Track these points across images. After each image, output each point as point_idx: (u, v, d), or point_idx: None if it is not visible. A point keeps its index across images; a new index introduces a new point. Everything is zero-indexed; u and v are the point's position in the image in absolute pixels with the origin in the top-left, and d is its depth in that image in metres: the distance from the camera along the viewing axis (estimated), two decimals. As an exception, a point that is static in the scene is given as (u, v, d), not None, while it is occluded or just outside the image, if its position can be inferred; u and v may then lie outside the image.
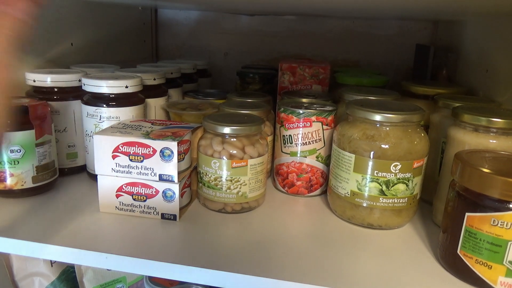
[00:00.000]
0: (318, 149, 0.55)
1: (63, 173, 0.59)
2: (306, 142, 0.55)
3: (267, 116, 0.59)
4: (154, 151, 0.45)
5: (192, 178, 0.53)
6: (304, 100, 0.60)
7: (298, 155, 0.55)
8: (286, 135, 0.55)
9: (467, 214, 0.37)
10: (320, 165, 0.56)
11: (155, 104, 0.64)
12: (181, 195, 0.50)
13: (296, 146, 0.55)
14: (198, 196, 0.52)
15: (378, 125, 0.46)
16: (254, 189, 0.50)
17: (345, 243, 0.45)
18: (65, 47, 0.70)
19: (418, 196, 0.48)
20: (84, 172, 0.60)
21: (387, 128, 0.46)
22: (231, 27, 0.99)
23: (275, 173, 0.59)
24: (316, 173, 0.56)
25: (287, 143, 0.56)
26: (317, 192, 0.57)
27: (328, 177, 0.57)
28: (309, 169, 0.56)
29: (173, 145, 0.45)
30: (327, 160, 0.56)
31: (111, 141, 0.46)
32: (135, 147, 0.46)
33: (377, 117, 0.45)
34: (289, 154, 0.56)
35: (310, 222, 0.50)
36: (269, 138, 0.60)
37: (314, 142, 0.55)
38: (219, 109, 0.59)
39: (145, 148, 0.45)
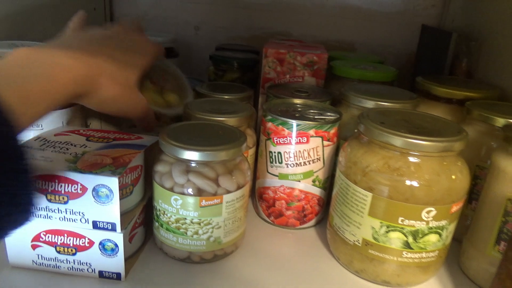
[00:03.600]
0: (316, 171, 0.42)
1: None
2: (300, 163, 0.41)
3: (248, 123, 0.45)
4: (84, 189, 0.31)
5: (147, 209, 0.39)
6: (296, 101, 0.46)
7: (290, 178, 0.42)
8: (274, 152, 0.42)
9: (545, 305, 0.26)
10: (317, 191, 0.43)
11: (100, 101, 0.48)
12: (129, 239, 0.36)
13: (287, 166, 0.41)
14: (154, 236, 0.38)
15: (405, 154, 0.33)
16: (231, 231, 0.37)
17: (354, 311, 0.33)
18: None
19: (449, 245, 0.36)
20: None
21: (419, 159, 0.33)
22: (204, -5, 0.82)
23: (258, 197, 0.46)
24: (312, 201, 0.43)
25: (275, 162, 0.42)
26: (312, 223, 0.45)
27: (325, 203, 0.44)
28: (303, 196, 0.42)
29: (112, 182, 0.30)
30: (325, 184, 0.43)
31: (18, 173, 0.31)
32: (55, 182, 0.31)
33: (408, 144, 0.32)
34: (277, 176, 0.42)
35: (304, 273, 0.38)
36: (251, 151, 0.46)
37: (311, 162, 0.41)
38: (185, 111, 0.44)
39: (70, 185, 0.31)
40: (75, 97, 0.32)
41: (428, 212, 0.32)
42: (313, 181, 0.42)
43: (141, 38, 0.41)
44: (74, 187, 0.31)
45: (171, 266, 0.37)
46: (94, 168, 0.31)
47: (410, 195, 0.32)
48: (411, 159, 0.33)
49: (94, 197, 0.31)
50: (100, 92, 0.34)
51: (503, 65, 0.53)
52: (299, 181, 0.42)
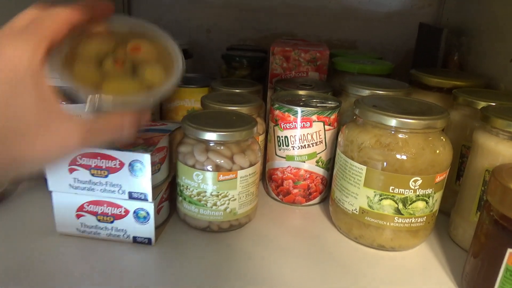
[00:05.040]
0: (319, 153, 0.47)
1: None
2: (304, 145, 0.46)
3: (258, 112, 0.51)
4: (122, 164, 0.37)
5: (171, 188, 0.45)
6: (301, 92, 0.52)
7: (295, 159, 0.47)
8: (281, 137, 0.47)
9: (509, 250, 0.30)
10: (320, 171, 0.48)
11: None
12: (158, 211, 0.41)
13: (293, 149, 0.47)
14: (178, 210, 0.44)
15: (394, 132, 0.38)
16: (244, 203, 0.42)
17: (352, 267, 0.39)
18: None
19: (437, 212, 0.41)
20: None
21: (406, 136, 0.38)
22: (215, 0, 0.88)
23: (268, 178, 0.51)
24: (316, 180, 0.48)
25: (283, 146, 0.47)
26: (316, 200, 0.50)
27: (328, 183, 0.50)
28: (308, 175, 0.48)
29: (145, 158, 0.36)
30: (328, 165, 0.48)
31: (67, 152, 0.37)
32: (97, 159, 0.37)
33: (395, 123, 0.37)
34: (284, 158, 0.48)
35: (310, 240, 0.43)
36: (261, 138, 0.51)
37: (314, 145, 0.46)
38: (202, 103, 0.50)
39: (110, 161, 0.37)
40: None
41: (415, 181, 0.38)
42: (317, 161, 0.47)
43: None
44: (114, 162, 0.36)
45: (193, 234, 0.42)
46: (129, 146, 0.37)
47: (399, 167, 0.37)
48: (400, 135, 0.38)
49: (130, 171, 0.37)
50: None
51: (489, 57, 0.58)
52: (304, 162, 0.47)
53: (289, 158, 0.47)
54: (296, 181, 0.48)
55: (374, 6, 0.84)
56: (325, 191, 0.50)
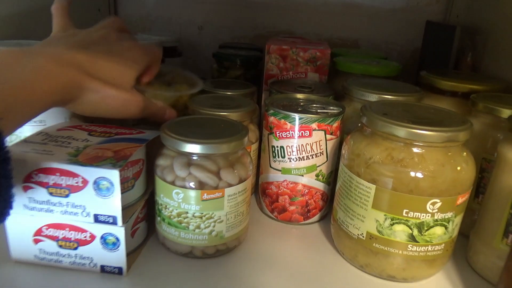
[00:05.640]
0: (319, 166, 0.41)
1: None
2: (303, 157, 0.41)
3: (251, 118, 0.45)
4: (85, 182, 0.31)
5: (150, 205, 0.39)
6: (299, 96, 0.46)
7: (292, 172, 0.41)
8: (277, 147, 0.41)
9: (554, 295, 0.25)
10: (320, 185, 0.42)
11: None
12: (132, 234, 0.35)
13: (290, 161, 0.41)
14: (157, 231, 0.38)
15: (408, 145, 0.32)
16: (233, 225, 0.36)
17: (359, 306, 0.33)
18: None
19: (456, 238, 0.36)
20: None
21: (422, 150, 0.32)
22: (207, -5, 0.82)
23: (261, 193, 0.45)
24: (315, 196, 0.43)
25: (278, 157, 0.42)
26: (315, 218, 0.44)
27: (329, 198, 0.44)
28: (306, 190, 0.42)
29: (112, 174, 0.30)
30: (329, 178, 0.43)
31: (19, 166, 0.31)
32: (56, 175, 0.31)
33: (411, 135, 0.31)
34: (280, 170, 0.42)
35: (308, 267, 0.37)
36: (253, 147, 0.45)
37: (314, 156, 0.41)
38: (189, 107, 0.44)
39: (71, 178, 0.31)
40: (62, 103, 0.32)
41: (433, 204, 0.32)
42: (317, 175, 0.42)
43: (133, 42, 0.39)
44: (75, 180, 0.31)
45: (173, 261, 0.36)
46: (95, 161, 0.31)
47: (414, 187, 0.32)
48: (415, 150, 0.32)
49: (95, 190, 0.31)
50: (88, 97, 0.33)
51: (508, 58, 0.52)
52: (302, 176, 0.41)
53: (286, 171, 0.42)
54: (293, 196, 0.42)
55: (378, 2, 0.79)
56: (326, 207, 0.44)
